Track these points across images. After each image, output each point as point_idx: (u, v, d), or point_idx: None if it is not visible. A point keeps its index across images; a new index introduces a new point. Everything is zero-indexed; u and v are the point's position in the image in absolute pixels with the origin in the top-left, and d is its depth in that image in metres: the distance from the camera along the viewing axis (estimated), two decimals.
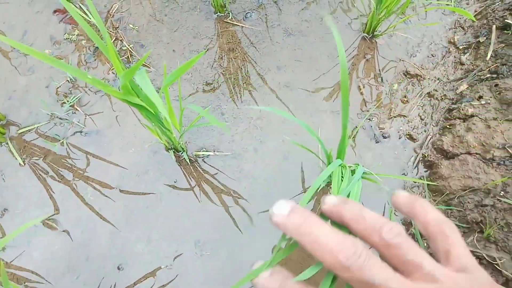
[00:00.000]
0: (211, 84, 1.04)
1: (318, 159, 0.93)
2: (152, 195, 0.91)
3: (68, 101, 0.99)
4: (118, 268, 0.84)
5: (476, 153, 0.85)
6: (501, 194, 0.77)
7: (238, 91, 1.03)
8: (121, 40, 1.06)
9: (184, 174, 0.93)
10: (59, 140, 0.96)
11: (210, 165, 0.94)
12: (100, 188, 0.92)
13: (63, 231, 0.88)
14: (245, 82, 1.04)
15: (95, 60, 1.06)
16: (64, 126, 0.98)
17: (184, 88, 1.02)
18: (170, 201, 0.90)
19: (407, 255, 0.28)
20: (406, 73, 1.04)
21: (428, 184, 0.89)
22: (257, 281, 0.33)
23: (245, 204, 0.90)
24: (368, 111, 1.00)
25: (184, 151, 0.92)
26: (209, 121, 0.80)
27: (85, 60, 1.06)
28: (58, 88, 1.02)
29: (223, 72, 1.05)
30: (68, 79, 1.02)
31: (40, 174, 0.92)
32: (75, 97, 0.99)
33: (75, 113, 0.99)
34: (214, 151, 0.95)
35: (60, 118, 0.98)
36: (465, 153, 0.87)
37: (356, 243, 0.28)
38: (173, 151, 0.92)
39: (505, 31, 1.00)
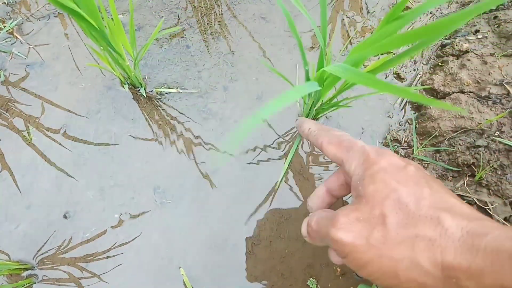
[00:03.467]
0: (176, 13, 0.90)
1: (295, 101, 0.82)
2: (105, 136, 0.79)
3: (5, 26, 0.84)
4: (65, 217, 0.73)
5: (470, 91, 0.76)
6: (496, 134, 0.69)
7: (207, 21, 0.90)
8: None
9: (142, 113, 0.81)
10: None
11: (173, 104, 0.82)
12: (44, 127, 0.79)
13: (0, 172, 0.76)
14: (214, 12, 0.91)
15: None
16: (1, 56, 0.83)
17: (144, 17, 0.89)
18: (126, 144, 0.79)
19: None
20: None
21: (416, 127, 0.80)
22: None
23: (211, 148, 0.79)
24: (351, 45, 0.89)
25: (142, 86, 0.80)
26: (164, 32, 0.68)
27: None
28: None
29: (190, 0, 0.91)
30: (5, 1, 0.87)
31: None
32: (13, 22, 0.84)
33: (15, 42, 0.85)
34: (177, 88, 0.83)
35: None
36: (457, 92, 0.78)
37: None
38: (129, 86, 0.80)
39: None
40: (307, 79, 0.64)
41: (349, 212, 0.37)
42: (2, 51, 0.83)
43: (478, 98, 0.75)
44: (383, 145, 0.81)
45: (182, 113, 0.82)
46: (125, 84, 0.80)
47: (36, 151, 0.77)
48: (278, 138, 0.80)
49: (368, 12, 0.93)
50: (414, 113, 0.82)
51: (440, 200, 0.34)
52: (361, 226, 0.35)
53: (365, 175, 0.37)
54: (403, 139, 0.80)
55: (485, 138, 0.70)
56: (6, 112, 0.80)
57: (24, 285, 0.68)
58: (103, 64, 0.81)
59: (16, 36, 0.85)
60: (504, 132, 0.69)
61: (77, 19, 0.55)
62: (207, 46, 0.87)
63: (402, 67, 0.87)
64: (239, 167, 0.77)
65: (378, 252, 0.33)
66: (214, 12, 0.91)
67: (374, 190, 0.36)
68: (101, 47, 0.66)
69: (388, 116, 0.83)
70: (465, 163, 0.69)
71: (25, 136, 0.78)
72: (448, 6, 0.92)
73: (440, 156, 0.75)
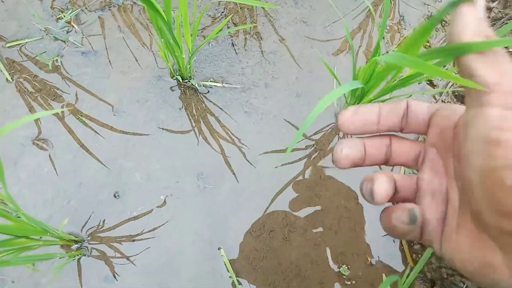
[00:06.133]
0: (223, 11, 0.95)
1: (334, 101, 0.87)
2: (153, 123, 0.84)
3: (64, 16, 0.90)
4: (115, 196, 0.78)
5: None
6: None
7: (251, 21, 0.95)
8: None
9: (188, 104, 0.86)
10: (53, 58, 0.87)
11: (217, 97, 0.87)
12: (96, 112, 0.84)
13: (52, 154, 0.80)
14: (258, 14, 0.96)
15: None
16: (58, 43, 0.89)
17: (191, 15, 0.94)
18: (173, 131, 0.84)
19: None
20: (430, 18, 0.98)
21: None
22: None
23: (252, 141, 0.84)
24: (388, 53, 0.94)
25: (191, 78, 0.85)
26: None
27: None
28: (54, 1, 0.92)
29: (235, 2, 0.97)
30: None
31: (28, 94, 0.84)
32: (73, 12, 0.90)
33: (71, 31, 0.90)
34: (222, 82, 0.88)
35: (54, 35, 0.89)
36: None
37: None
38: (179, 77, 0.85)
39: None
40: (355, 78, 0.68)
41: None
42: (60, 39, 0.89)
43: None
44: None
45: (225, 106, 0.86)
46: (175, 75, 0.85)
47: (87, 134, 0.82)
48: (314, 134, 0.85)
49: (403, 22, 0.98)
50: None
51: None
52: None
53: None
54: None
55: None
56: (61, 95, 0.85)
57: (75, 256, 0.72)
58: (155, 61, 0.87)
59: (73, 25, 0.90)
60: None
61: (150, 11, 0.60)
62: (251, 45, 0.92)
63: None
64: (276, 161, 0.82)
65: None
66: (258, 14, 0.96)
67: None
68: (162, 39, 0.71)
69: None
70: None
71: (77, 119, 0.83)
72: None
73: None
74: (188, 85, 0.86)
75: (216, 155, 0.82)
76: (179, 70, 0.83)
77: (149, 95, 0.86)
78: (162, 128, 0.84)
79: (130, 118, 0.84)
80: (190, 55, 0.76)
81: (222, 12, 0.96)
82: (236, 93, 0.88)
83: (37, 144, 0.80)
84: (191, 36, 0.72)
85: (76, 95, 0.85)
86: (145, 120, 0.84)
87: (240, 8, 0.96)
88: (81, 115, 0.83)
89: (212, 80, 0.88)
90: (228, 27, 0.94)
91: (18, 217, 0.55)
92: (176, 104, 0.86)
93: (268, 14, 0.97)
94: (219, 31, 0.73)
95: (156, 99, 0.86)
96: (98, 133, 0.82)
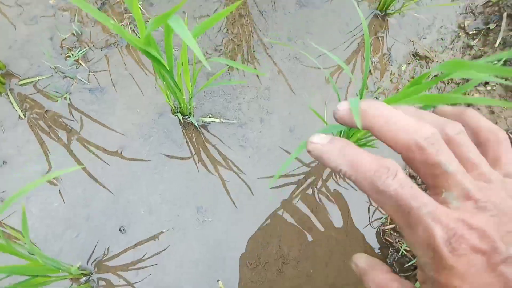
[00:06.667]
0: (221, 49, 1.01)
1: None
2: (156, 158, 0.90)
3: (72, 54, 0.95)
4: (120, 230, 0.84)
5: None
6: None
7: (247, 58, 1.01)
8: None
9: (189, 139, 0.92)
10: (62, 95, 0.93)
11: (216, 132, 0.93)
12: (102, 147, 0.90)
13: (62, 189, 0.86)
14: (254, 51, 1.02)
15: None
16: (67, 81, 0.95)
17: (191, 52, 1.00)
18: (174, 165, 0.90)
19: (468, 152, 0.28)
20: (415, 54, 1.04)
21: None
22: (314, 147, 0.32)
23: (249, 172, 0.90)
24: (375, 90, 1.00)
25: (191, 115, 0.91)
26: (230, 80, 0.79)
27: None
28: (63, 40, 0.98)
29: (232, 39, 1.03)
30: (74, 32, 0.98)
31: (40, 129, 0.90)
32: (81, 51, 0.96)
33: (78, 68, 0.96)
34: (220, 118, 0.94)
35: (63, 72, 0.95)
36: None
37: (432, 127, 0.28)
38: (180, 115, 0.91)
39: None
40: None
41: None
42: (68, 76, 0.95)
43: None
44: None
45: (223, 141, 0.92)
46: (176, 112, 0.91)
47: (95, 169, 0.88)
48: (302, 166, 0.91)
49: (390, 58, 1.04)
50: None
51: None
52: None
53: (436, 279, 0.26)
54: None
55: None
56: (70, 132, 0.90)
57: None
58: (157, 97, 0.93)
59: (80, 63, 0.96)
60: None
61: (154, 64, 0.66)
62: (247, 81, 0.98)
63: None
64: (271, 192, 0.88)
65: None
66: (254, 51, 1.02)
67: None
68: (164, 82, 0.77)
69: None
70: None
71: (84, 154, 0.89)
72: (462, 57, 1.04)
73: None
74: (188, 121, 0.92)
75: (214, 186, 0.88)
76: (180, 108, 0.89)
77: (152, 130, 0.92)
78: (164, 162, 0.89)
79: (134, 152, 0.90)
80: (190, 97, 0.82)
81: (220, 47, 1.02)
82: (233, 128, 0.94)
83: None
84: (191, 81, 0.78)
85: (83, 129, 0.91)
86: (148, 155, 0.90)
87: (237, 45, 1.02)
88: (89, 151, 0.89)
89: (211, 115, 0.94)
90: (228, 65, 1.00)
91: (32, 254, 0.61)
92: (177, 139, 0.92)
93: (266, 49, 1.03)
94: (215, 78, 0.79)
95: (159, 134, 0.92)
96: (104, 168, 0.88)
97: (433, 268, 0.25)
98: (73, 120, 0.92)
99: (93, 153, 0.89)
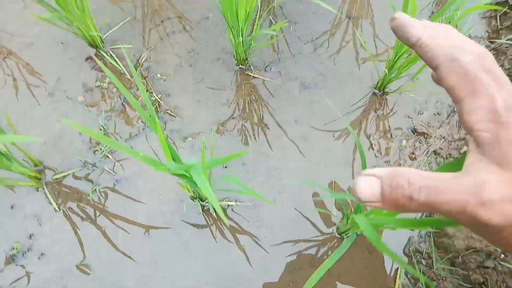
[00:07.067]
0: (233, 133, 1.11)
1: (331, 213, 1.01)
2: (179, 240, 0.98)
3: (100, 149, 1.06)
4: None
5: None
6: (502, 257, 0.85)
7: (257, 141, 1.10)
8: (151, 92, 1.14)
9: (208, 222, 1.00)
10: (92, 187, 1.03)
11: (232, 214, 1.01)
12: (130, 232, 0.98)
13: (95, 277, 0.94)
14: (264, 134, 1.12)
15: (124, 108, 1.13)
16: (96, 172, 1.05)
17: (208, 138, 1.10)
18: (195, 247, 0.97)
19: None
20: (414, 130, 1.12)
21: (434, 240, 0.96)
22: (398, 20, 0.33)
23: (264, 251, 0.97)
24: (378, 165, 1.07)
25: (208, 202, 0.99)
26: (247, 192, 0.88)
27: (115, 107, 1.13)
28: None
29: (244, 123, 1.13)
30: (100, 128, 1.09)
31: (73, 220, 0.99)
32: (108, 147, 1.07)
33: (105, 159, 1.06)
34: (236, 201, 1.03)
35: (92, 165, 1.05)
36: None
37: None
38: (198, 201, 1.00)
39: None
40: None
41: (499, 186, 0.26)
42: (96, 167, 1.05)
43: None
44: (405, 254, 0.97)
45: (239, 223, 1.00)
46: (195, 199, 1.00)
47: (122, 254, 0.96)
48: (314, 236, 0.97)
49: (391, 135, 1.13)
50: (432, 228, 0.99)
51: None
52: None
53: (500, 139, 0.27)
54: (424, 250, 0.96)
55: (492, 259, 0.86)
56: (101, 219, 0.99)
57: None
58: (178, 186, 1.02)
59: (107, 156, 1.06)
60: (508, 256, 0.84)
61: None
62: (259, 165, 1.07)
63: None
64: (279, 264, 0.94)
65: None
66: (265, 133, 1.11)
67: None
68: (185, 181, 0.86)
69: (409, 229, 1.00)
70: (477, 281, 0.85)
71: (113, 240, 0.97)
72: (458, 131, 1.11)
73: (455, 271, 0.90)
74: (206, 208, 1.01)
75: (234, 268, 0.95)
76: (199, 194, 0.97)
77: (174, 215, 1.00)
78: (186, 246, 0.97)
79: (159, 236, 0.98)
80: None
81: (232, 131, 1.11)
82: (247, 210, 1.02)
83: (81, 268, 0.94)
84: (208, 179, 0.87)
85: (113, 220, 1.00)
86: (172, 241, 0.98)
87: (245, 128, 1.12)
88: (118, 237, 0.97)
89: (227, 199, 1.02)
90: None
91: None
92: (198, 223, 1.00)
93: (272, 132, 1.12)
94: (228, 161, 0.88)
95: (181, 218, 1.00)
96: (133, 251, 0.96)
97: (494, 128, 0.27)
98: (104, 208, 1.01)
99: (116, 244, 0.97)
